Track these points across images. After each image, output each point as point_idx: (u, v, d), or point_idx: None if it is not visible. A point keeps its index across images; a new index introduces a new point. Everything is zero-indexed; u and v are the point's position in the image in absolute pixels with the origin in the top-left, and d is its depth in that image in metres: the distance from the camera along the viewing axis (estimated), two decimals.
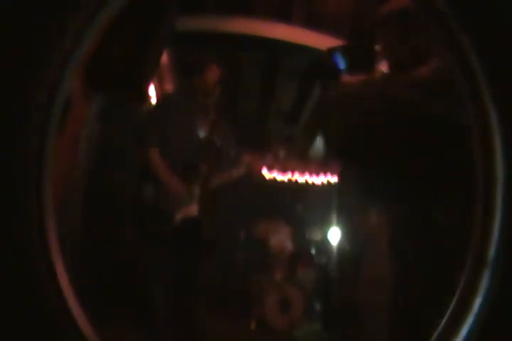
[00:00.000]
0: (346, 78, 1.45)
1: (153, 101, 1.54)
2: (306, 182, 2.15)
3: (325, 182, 2.14)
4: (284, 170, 2.15)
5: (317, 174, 2.18)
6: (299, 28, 1.43)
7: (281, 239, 1.78)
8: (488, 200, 0.93)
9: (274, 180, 2.11)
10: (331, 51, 1.44)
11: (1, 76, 0.91)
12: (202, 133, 1.70)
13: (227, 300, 1.45)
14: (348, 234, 1.70)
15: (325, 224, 1.85)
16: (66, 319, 0.94)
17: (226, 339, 1.41)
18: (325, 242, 1.88)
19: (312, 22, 1.44)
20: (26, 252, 0.92)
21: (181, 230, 1.59)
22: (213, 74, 1.53)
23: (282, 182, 2.12)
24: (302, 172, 2.17)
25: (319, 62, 1.50)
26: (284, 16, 1.44)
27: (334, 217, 1.81)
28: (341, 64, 1.43)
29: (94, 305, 1.02)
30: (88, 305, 0.99)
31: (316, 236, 1.97)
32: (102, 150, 1.47)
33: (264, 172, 2.12)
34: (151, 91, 1.51)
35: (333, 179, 2.12)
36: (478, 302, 0.91)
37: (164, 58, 1.45)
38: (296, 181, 2.15)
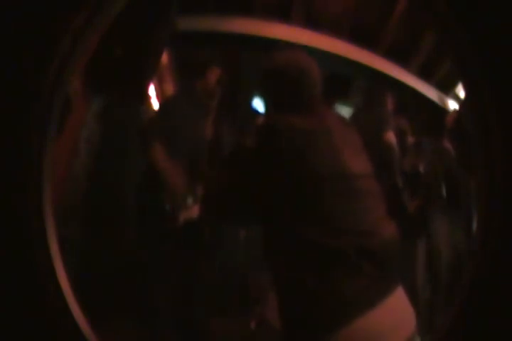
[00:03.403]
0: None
1: (155, 103, 1.54)
2: None
3: None
4: None
5: None
6: (299, 28, 1.43)
7: None
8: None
9: None
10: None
11: (1, 76, 0.91)
12: (203, 133, 1.70)
13: (227, 300, 1.45)
14: None
15: None
16: (66, 319, 0.94)
17: (226, 339, 1.41)
18: None
19: (312, 22, 1.44)
20: (26, 252, 0.92)
21: (182, 230, 1.59)
22: (214, 75, 1.53)
23: None
24: None
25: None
26: (284, 16, 1.43)
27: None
28: (259, 106, 1.29)
29: (94, 305, 1.02)
30: (88, 305, 0.99)
31: None
32: (103, 151, 1.48)
33: None
34: (151, 91, 1.51)
35: None
36: None
37: (164, 58, 1.45)
38: None
